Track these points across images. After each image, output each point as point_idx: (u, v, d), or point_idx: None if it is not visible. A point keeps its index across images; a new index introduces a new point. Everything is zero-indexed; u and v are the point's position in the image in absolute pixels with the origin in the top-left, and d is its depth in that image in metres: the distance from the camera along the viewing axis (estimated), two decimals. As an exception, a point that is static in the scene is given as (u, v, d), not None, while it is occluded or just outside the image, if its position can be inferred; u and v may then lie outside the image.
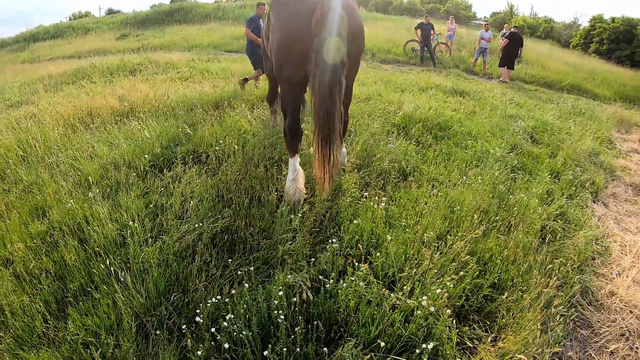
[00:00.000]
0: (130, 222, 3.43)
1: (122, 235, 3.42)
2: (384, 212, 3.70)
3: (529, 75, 16.87)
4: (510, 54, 14.90)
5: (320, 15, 3.25)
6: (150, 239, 3.31)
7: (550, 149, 6.52)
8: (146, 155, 4.72)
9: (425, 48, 16.72)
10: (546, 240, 3.82)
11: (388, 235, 3.29)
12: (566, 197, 4.95)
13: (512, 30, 15.54)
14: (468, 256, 3.22)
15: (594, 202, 5.35)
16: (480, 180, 4.53)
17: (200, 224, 3.47)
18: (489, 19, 48.99)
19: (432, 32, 16.72)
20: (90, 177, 4.29)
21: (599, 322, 3.23)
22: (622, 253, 4.24)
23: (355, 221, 3.46)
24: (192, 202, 3.81)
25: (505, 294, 2.99)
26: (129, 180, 4.25)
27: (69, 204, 3.78)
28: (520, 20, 42.40)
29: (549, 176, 5.36)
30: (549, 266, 3.43)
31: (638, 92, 17.92)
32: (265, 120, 6.16)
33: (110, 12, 49.60)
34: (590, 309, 3.35)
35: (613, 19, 36.02)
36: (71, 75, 12.08)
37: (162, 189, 4.12)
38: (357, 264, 2.98)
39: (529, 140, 6.81)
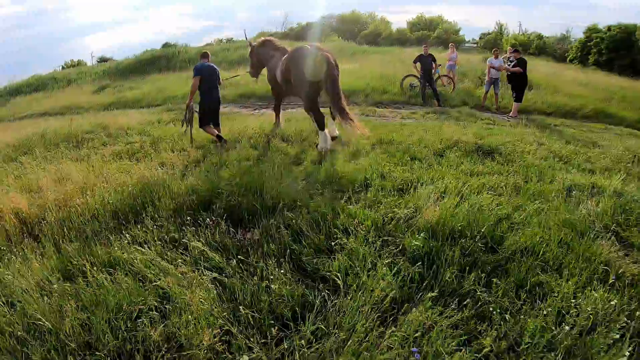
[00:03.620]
0: None
1: None
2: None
3: (546, 104, 14.80)
4: (523, 84, 12.90)
5: (326, 62, 7.28)
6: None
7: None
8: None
9: (427, 84, 14.64)
10: None
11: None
12: None
13: (512, 53, 13.62)
14: None
15: None
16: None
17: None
18: (479, 41, 47.57)
19: (433, 65, 14.71)
20: None
21: None
22: None
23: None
24: None
25: None
26: None
27: None
28: (512, 39, 40.80)
29: None
30: None
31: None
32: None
33: (101, 60, 48.89)
34: None
35: (609, 27, 35.05)
36: (16, 147, 10.70)
37: None
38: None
39: (617, 244, 4.36)
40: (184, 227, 4.46)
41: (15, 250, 4.94)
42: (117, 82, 28.34)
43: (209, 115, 8.30)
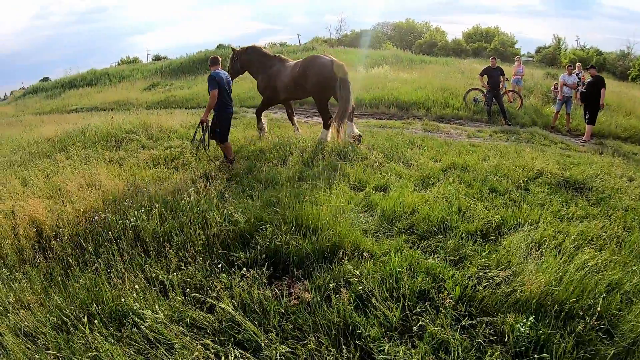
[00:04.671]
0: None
1: None
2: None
3: (620, 128, 13.15)
4: (597, 105, 11.54)
5: (339, 70, 7.77)
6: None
7: None
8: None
9: (494, 99, 13.33)
10: None
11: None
12: None
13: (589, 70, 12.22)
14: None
15: None
16: None
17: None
18: (536, 55, 45.04)
19: (501, 79, 13.39)
20: None
21: None
22: None
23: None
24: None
25: None
26: None
27: None
28: (571, 54, 38.25)
29: None
30: None
31: None
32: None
33: (156, 58, 49.35)
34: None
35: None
36: (55, 143, 10.38)
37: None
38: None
39: None
40: (213, 270, 3.56)
41: (21, 269, 4.42)
42: (167, 81, 28.14)
43: (227, 132, 7.25)
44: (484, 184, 5.93)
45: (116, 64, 48.61)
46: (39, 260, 4.48)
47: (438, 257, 3.91)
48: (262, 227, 4.21)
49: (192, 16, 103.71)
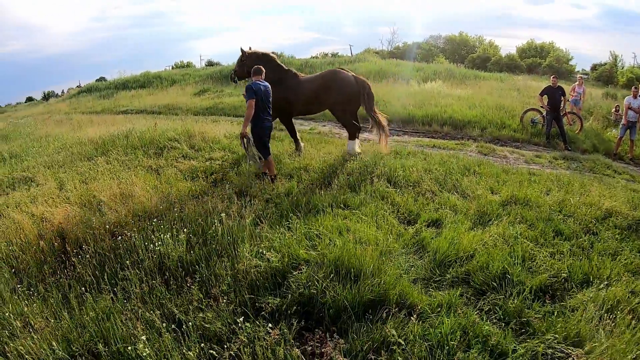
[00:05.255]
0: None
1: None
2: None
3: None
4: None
5: (363, 84, 8.15)
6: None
7: None
8: None
9: (553, 122, 12.42)
10: None
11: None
12: None
13: None
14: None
15: None
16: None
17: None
18: (591, 73, 42.74)
19: (562, 99, 12.48)
20: None
21: None
22: None
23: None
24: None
25: None
26: None
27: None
28: (628, 72, 35.98)
29: None
30: None
31: None
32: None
33: (209, 63, 50.15)
34: None
35: None
36: (99, 145, 10.34)
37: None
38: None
39: None
40: (236, 319, 3.12)
41: (42, 282, 4.13)
42: (217, 87, 28.08)
43: (264, 147, 6.75)
44: (547, 224, 5.24)
45: (170, 67, 49.75)
46: (59, 276, 4.21)
47: (497, 317, 3.34)
48: (298, 268, 3.75)
49: (246, 24, 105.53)
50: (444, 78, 22.09)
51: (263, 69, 6.92)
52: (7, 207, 6.49)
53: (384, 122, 8.45)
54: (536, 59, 42.42)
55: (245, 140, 6.44)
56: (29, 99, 58.72)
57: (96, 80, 45.35)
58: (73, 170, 8.27)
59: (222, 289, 3.43)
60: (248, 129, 6.53)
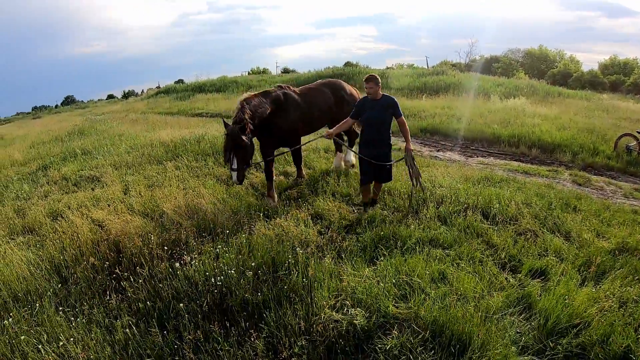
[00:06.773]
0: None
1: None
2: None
3: None
4: None
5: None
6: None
7: None
8: None
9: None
10: None
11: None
12: None
13: None
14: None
15: None
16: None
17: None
18: None
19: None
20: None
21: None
22: None
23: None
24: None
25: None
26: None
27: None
28: None
29: None
30: None
31: None
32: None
33: (285, 71, 50.94)
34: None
35: None
36: (170, 148, 10.06)
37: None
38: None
39: None
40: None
41: (84, 307, 3.64)
42: (295, 95, 27.93)
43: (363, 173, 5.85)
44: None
45: (246, 73, 50.62)
46: (109, 297, 3.71)
47: None
48: (385, 326, 3.02)
49: (323, 33, 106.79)
50: (526, 94, 20.52)
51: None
52: (68, 209, 6.21)
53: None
54: (620, 76, 39.43)
55: (409, 158, 5.53)
56: (110, 97, 62.04)
57: (174, 82, 47.02)
58: (140, 173, 8.03)
59: (294, 351, 2.74)
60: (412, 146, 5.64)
